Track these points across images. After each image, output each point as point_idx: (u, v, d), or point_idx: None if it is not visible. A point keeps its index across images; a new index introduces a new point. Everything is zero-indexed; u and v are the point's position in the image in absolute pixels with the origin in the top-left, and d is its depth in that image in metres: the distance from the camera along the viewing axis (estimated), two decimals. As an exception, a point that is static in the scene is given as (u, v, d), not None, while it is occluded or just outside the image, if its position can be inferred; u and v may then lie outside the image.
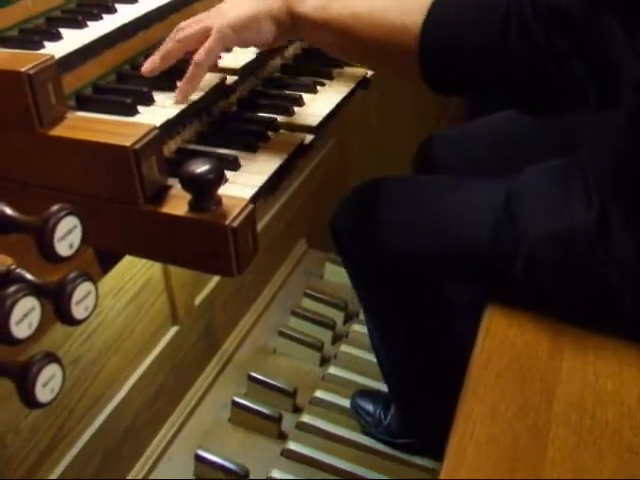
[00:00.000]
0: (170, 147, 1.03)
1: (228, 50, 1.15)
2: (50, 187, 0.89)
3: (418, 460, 1.73)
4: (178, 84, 1.03)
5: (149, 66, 1.05)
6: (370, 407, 1.80)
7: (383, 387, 1.91)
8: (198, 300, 1.87)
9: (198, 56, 1.02)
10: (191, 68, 1.02)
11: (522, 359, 1.08)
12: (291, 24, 1.06)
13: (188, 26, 1.08)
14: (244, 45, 1.10)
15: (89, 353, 1.49)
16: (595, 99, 0.93)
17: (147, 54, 1.12)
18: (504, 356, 1.09)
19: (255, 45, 1.12)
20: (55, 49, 0.98)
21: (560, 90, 0.93)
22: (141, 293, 1.63)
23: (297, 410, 1.90)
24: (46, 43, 1.01)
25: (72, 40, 1.01)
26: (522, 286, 1.15)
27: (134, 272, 1.59)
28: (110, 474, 1.61)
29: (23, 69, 0.82)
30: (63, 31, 1.03)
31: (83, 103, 1.00)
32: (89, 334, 1.48)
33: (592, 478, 0.92)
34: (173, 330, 1.78)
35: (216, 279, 1.94)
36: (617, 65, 0.89)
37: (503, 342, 1.11)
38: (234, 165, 0.98)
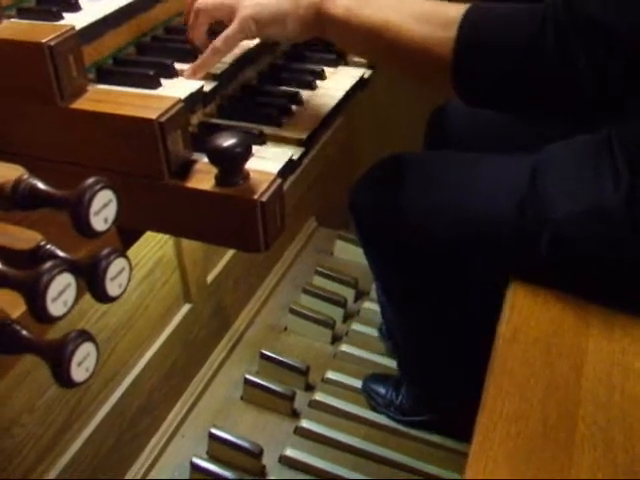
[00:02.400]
0: (192, 121, 1.01)
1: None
2: (72, 162, 0.87)
3: (431, 437, 1.73)
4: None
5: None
6: (381, 389, 1.79)
7: (394, 365, 1.91)
8: (210, 278, 1.85)
9: (217, 42, 1.00)
10: (208, 52, 1.00)
11: (548, 336, 1.07)
12: (318, 24, 1.02)
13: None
14: (264, 39, 1.08)
15: (103, 331, 1.47)
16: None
17: (166, 26, 1.11)
18: (530, 332, 1.07)
19: (275, 39, 1.10)
20: (75, 20, 0.95)
21: (597, 101, 0.90)
22: (154, 271, 1.62)
23: (309, 388, 1.89)
24: (65, 14, 0.98)
25: (91, 11, 0.99)
26: (547, 265, 1.13)
27: (147, 250, 1.58)
28: (125, 451, 1.61)
29: (44, 40, 0.81)
30: (82, 2, 1.01)
31: (104, 76, 0.97)
32: (103, 312, 1.46)
33: (624, 455, 0.91)
34: (186, 308, 1.77)
35: (227, 257, 1.93)
36: None
37: (528, 319, 1.10)
38: (260, 139, 0.96)
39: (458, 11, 0.92)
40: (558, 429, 0.94)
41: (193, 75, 0.99)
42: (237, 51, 1.06)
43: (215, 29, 1.04)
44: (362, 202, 1.31)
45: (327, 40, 1.06)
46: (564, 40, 0.84)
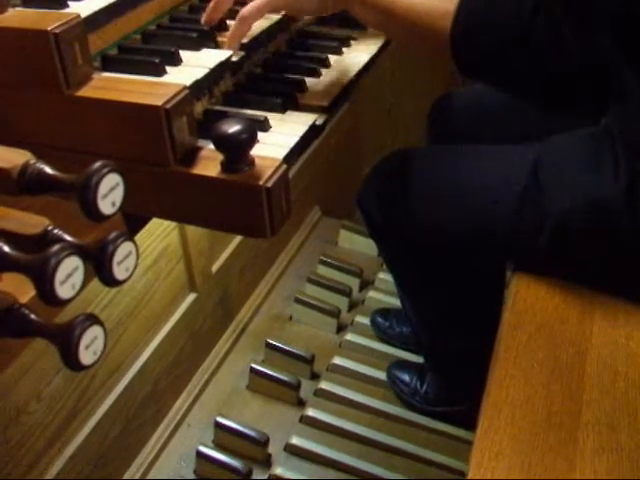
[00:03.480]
0: (197, 109, 1.02)
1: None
2: (79, 150, 0.88)
3: (438, 425, 1.73)
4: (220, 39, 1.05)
5: (206, 18, 1.07)
6: (406, 377, 1.78)
7: (400, 353, 1.92)
8: (215, 267, 1.86)
9: (245, 12, 1.03)
10: (236, 23, 1.03)
11: (552, 322, 1.08)
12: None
13: None
14: (290, 12, 1.10)
15: (109, 320, 1.48)
16: (633, 87, 0.91)
17: (172, 14, 1.11)
18: (534, 319, 1.08)
19: (300, 13, 1.13)
20: (80, 8, 0.95)
21: (589, 85, 0.91)
22: (159, 260, 1.62)
23: (315, 377, 1.89)
24: (70, 2, 0.98)
25: (97, -1, 0.99)
26: (549, 256, 1.13)
27: (152, 239, 1.58)
28: (131, 440, 1.62)
29: (49, 28, 0.81)
30: (87, -10, 1.01)
31: (109, 64, 0.98)
32: (109, 301, 1.47)
33: (628, 440, 0.91)
34: (191, 297, 1.77)
35: (232, 247, 1.93)
36: None
37: (532, 306, 1.10)
38: (264, 126, 0.96)
39: None
40: (563, 414, 0.95)
41: (228, 46, 1.03)
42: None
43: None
44: (368, 200, 1.33)
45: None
46: (554, 19, 0.87)
